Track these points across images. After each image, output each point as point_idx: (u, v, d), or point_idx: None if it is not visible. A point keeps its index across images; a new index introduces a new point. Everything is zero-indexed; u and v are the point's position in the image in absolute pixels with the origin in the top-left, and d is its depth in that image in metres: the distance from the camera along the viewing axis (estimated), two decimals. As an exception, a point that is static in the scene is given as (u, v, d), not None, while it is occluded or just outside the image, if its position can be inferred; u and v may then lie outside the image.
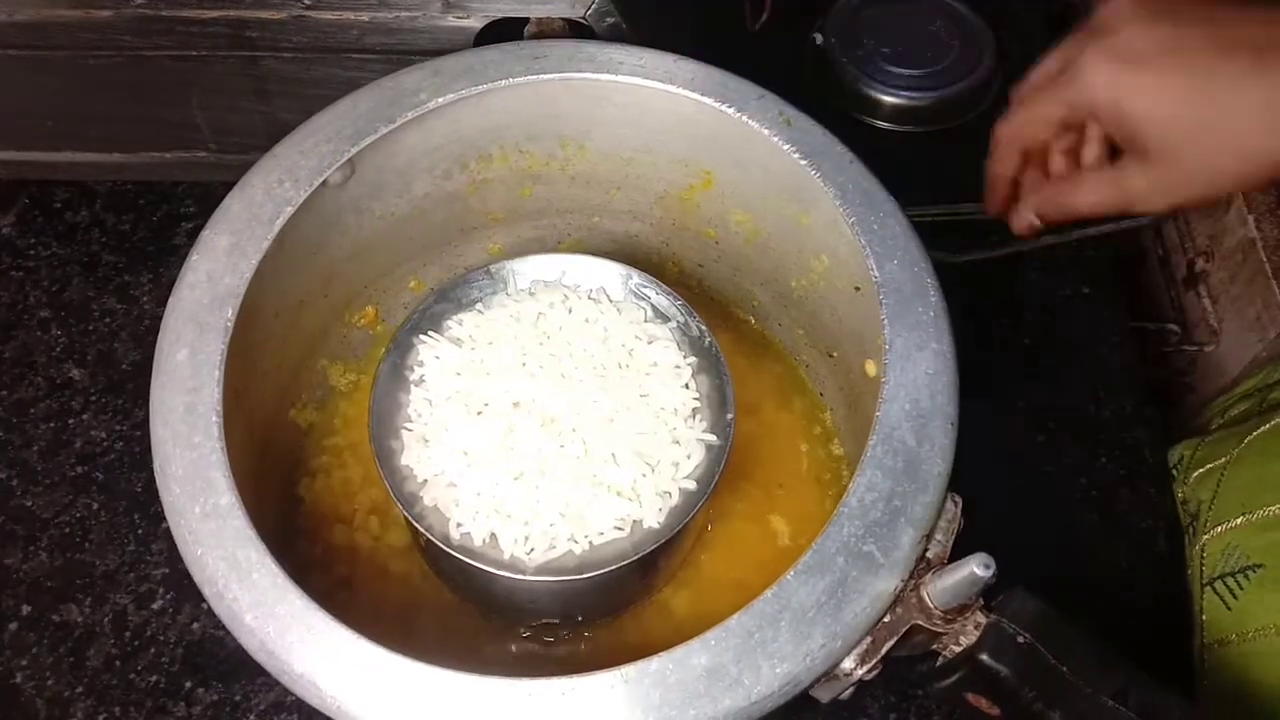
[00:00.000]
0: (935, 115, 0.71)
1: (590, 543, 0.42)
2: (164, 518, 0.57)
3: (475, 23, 0.56)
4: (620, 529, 0.42)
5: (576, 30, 0.55)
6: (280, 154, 0.46)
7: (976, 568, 0.36)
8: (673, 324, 0.47)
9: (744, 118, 0.47)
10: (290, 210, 0.45)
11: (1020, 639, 0.37)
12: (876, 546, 0.38)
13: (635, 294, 0.48)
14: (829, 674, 0.37)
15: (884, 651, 0.38)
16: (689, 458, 0.43)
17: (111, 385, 0.63)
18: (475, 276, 0.48)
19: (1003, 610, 0.38)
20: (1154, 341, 0.68)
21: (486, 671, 0.35)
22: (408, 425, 0.44)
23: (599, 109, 0.51)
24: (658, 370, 0.45)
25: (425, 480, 0.43)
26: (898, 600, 0.38)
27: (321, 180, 0.46)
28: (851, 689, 0.39)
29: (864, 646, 0.37)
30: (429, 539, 0.42)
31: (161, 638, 0.55)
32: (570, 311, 0.47)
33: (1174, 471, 0.59)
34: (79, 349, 0.64)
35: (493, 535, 0.42)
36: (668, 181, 0.54)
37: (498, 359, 0.45)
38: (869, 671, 0.38)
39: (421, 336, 0.46)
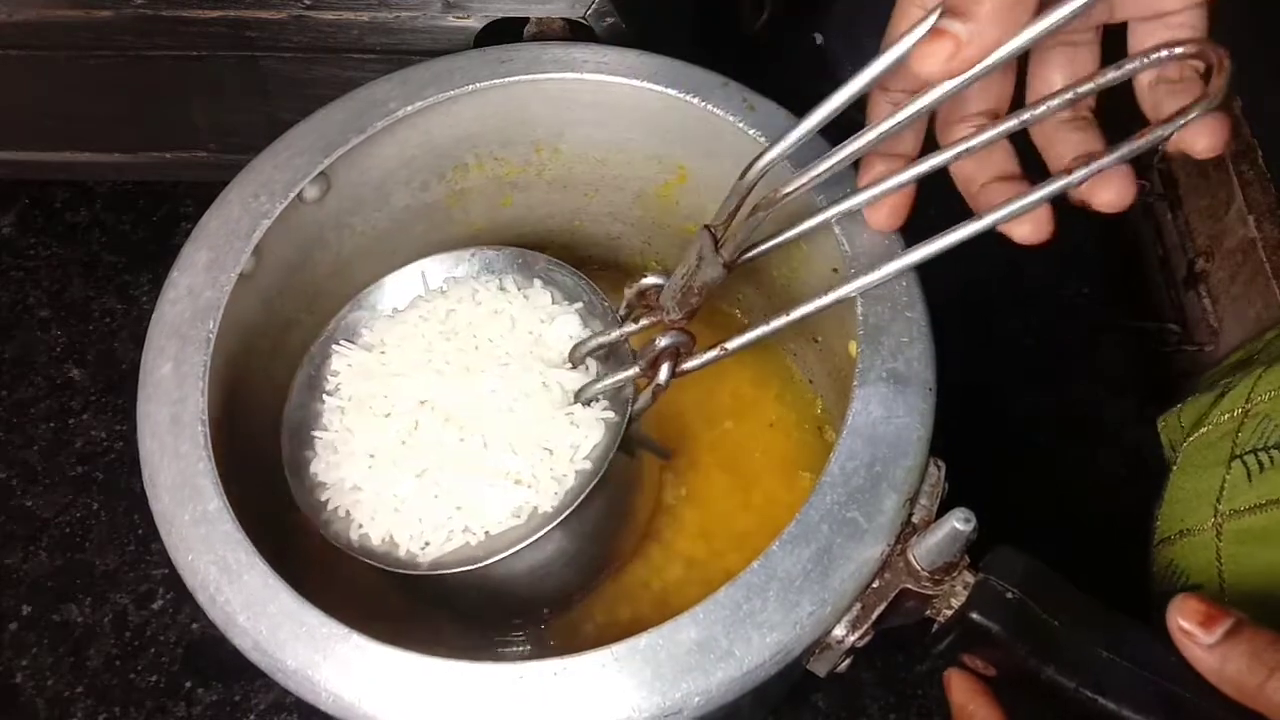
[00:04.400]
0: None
1: (486, 532, 0.42)
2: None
3: (475, 23, 0.56)
4: (517, 517, 0.42)
5: (576, 30, 0.55)
6: (255, 169, 0.47)
7: (957, 522, 0.36)
8: (579, 304, 0.47)
9: (709, 106, 0.48)
10: (267, 223, 0.45)
11: (1009, 595, 0.37)
12: (860, 513, 0.38)
13: (543, 279, 0.48)
14: (821, 643, 0.38)
15: (875, 617, 0.38)
16: (587, 438, 0.43)
17: (111, 385, 0.63)
18: (389, 280, 0.48)
19: (990, 568, 0.38)
20: (1154, 341, 0.68)
21: (477, 658, 0.35)
22: (318, 434, 0.45)
23: (568, 110, 0.51)
24: (558, 352, 0.45)
25: (330, 486, 0.43)
26: (885, 565, 0.38)
27: (297, 193, 0.46)
28: (848, 661, 0.39)
29: (854, 613, 0.38)
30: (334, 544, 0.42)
31: (161, 638, 0.55)
32: (479, 304, 0.47)
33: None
34: (79, 349, 0.64)
35: (390, 535, 0.42)
36: (643, 179, 0.54)
37: (405, 359, 0.45)
38: (861, 638, 0.38)
39: (335, 346, 0.46)
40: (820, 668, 0.40)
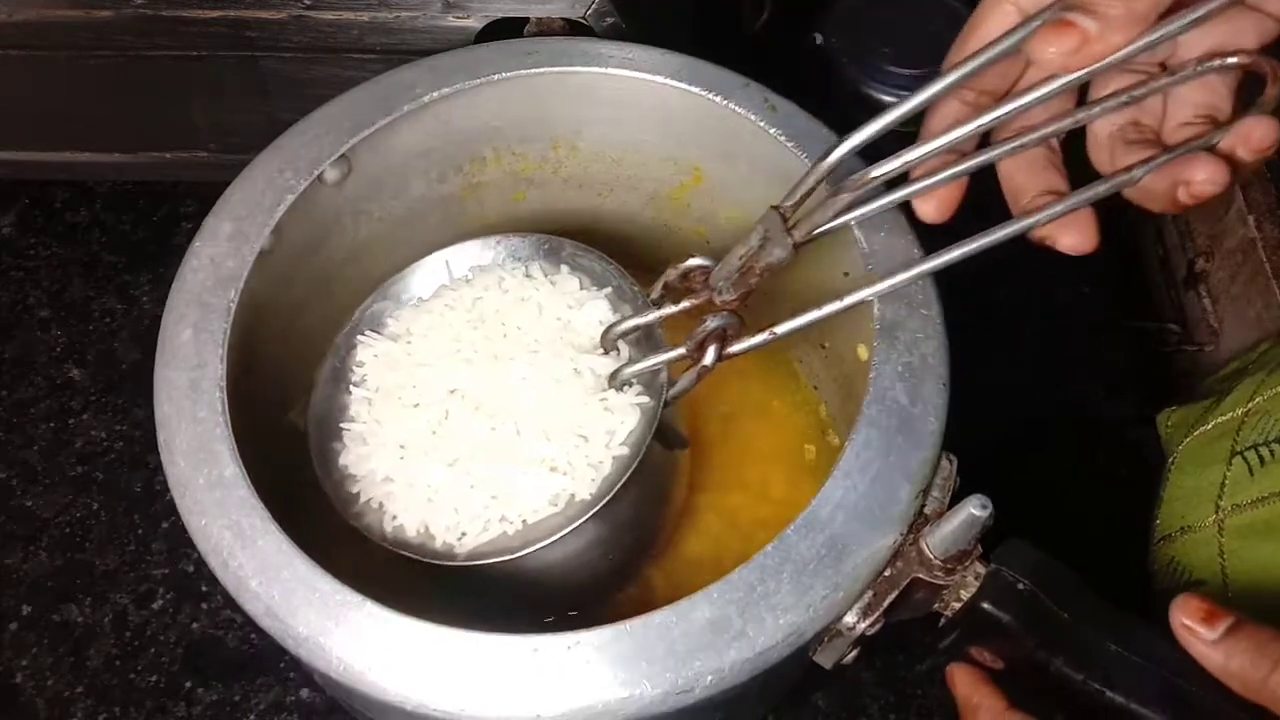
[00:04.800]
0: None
1: (524, 521, 0.41)
2: (164, 518, 0.58)
3: (475, 23, 0.56)
4: (554, 505, 0.41)
5: (576, 30, 0.55)
6: (281, 145, 0.47)
7: (974, 509, 0.36)
8: (608, 289, 0.46)
9: (730, 105, 0.48)
10: (291, 198, 0.45)
11: (1020, 586, 0.37)
12: (874, 501, 0.38)
13: (570, 265, 0.48)
14: (831, 629, 0.38)
15: (885, 605, 0.38)
16: (623, 424, 0.43)
17: (111, 385, 0.63)
18: (413, 270, 0.47)
19: (1002, 560, 0.38)
20: (1154, 341, 0.68)
21: (491, 629, 0.36)
22: (346, 426, 0.44)
23: (588, 106, 0.51)
24: (589, 338, 0.45)
25: (361, 478, 0.43)
26: (898, 554, 0.38)
27: (320, 171, 0.46)
28: (854, 653, 0.40)
29: (865, 600, 0.38)
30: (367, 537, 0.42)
31: (161, 638, 0.55)
32: (505, 292, 0.46)
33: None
34: (79, 349, 0.64)
35: (425, 526, 0.42)
36: (658, 181, 0.54)
37: (432, 349, 0.45)
38: (871, 626, 0.38)
39: (360, 337, 0.46)
40: (827, 658, 0.40)
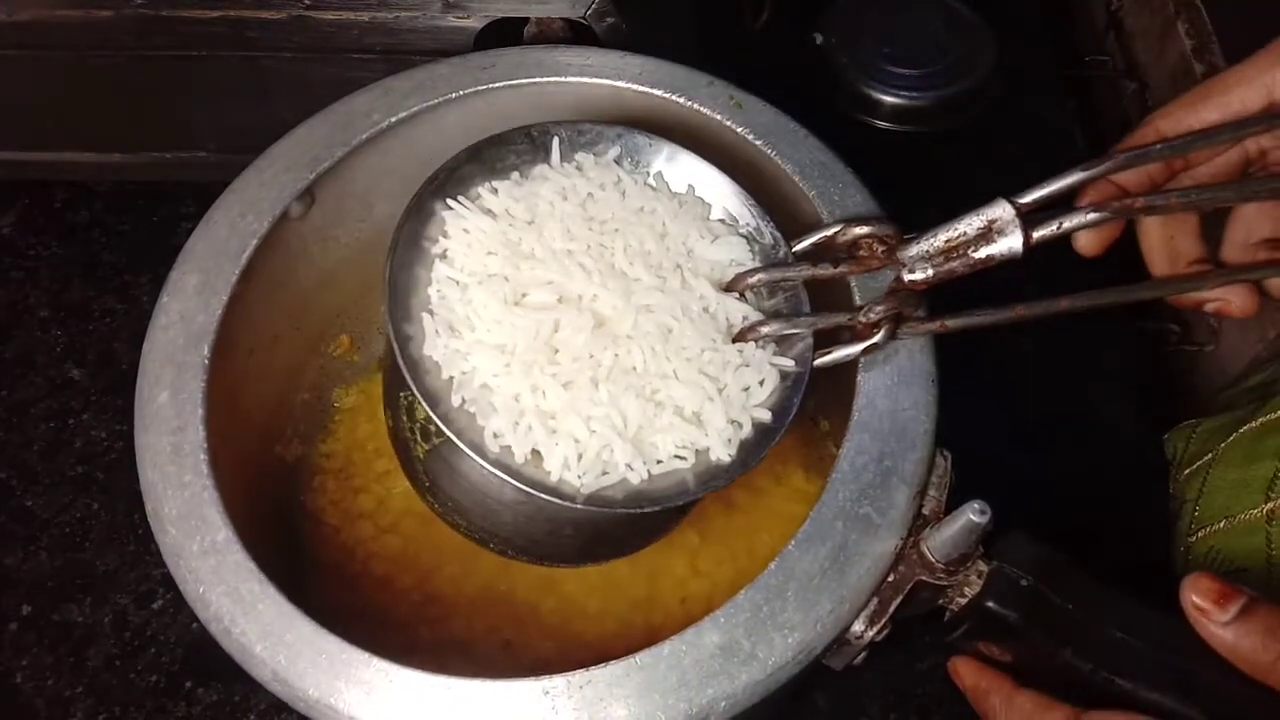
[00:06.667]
0: (935, 115, 0.71)
1: (649, 471, 0.36)
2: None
3: (475, 23, 0.56)
4: (682, 457, 0.37)
5: (576, 31, 0.55)
6: (240, 188, 0.46)
7: (972, 515, 0.36)
8: (742, 226, 0.41)
9: (695, 105, 0.48)
10: (255, 243, 0.44)
11: (1023, 582, 0.38)
12: (873, 508, 0.38)
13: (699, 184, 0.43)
14: (839, 639, 0.38)
15: (891, 611, 0.38)
16: (761, 384, 0.38)
17: (111, 385, 0.63)
18: (513, 138, 0.41)
19: (1003, 556, 0.38)
20: (1154, 341, 0.68)
21: (501, 675, 0.35)
22: (430, 309, 0.38)
23: (551, 115, 0.50)
24: (716, 278, 0.40)
25: (452, 378, 0.37)
26: (899, 559, 0.38)
27: (283, 210, 0.45)
28: (864, 654, 0.40)
29: (871, 608, 0.38)
30: (461, 450, 0.35)
31: (161, 638, 0.55)
32: (624, 196, 0.41)
33: (1171, 467, 0.59)
34: (79, 349, 0.64)
35: (536, 452, 0.36)
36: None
37: (540, 241, 0.39)
38: (879, 633, 0.38)
39: (449, 202, 0.39)
40: (837, 663, 0.40)
